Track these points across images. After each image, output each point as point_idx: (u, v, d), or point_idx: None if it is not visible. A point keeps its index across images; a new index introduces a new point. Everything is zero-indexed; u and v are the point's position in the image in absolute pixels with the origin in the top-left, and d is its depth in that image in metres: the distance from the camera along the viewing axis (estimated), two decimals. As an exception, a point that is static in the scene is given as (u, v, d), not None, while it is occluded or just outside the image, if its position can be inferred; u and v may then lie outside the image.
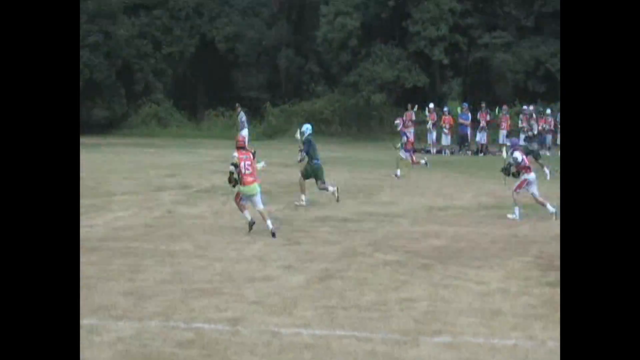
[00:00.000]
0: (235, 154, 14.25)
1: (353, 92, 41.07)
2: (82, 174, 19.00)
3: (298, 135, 18.76)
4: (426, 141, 35.63)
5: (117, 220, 15.54)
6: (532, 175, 16.31)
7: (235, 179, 14.19)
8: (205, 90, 50.85)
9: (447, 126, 34.94)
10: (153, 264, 11.48)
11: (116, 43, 44.46)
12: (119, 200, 18.11)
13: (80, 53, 43.56)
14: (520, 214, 15.97)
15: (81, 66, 43.41)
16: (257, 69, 46.54)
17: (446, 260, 11.86)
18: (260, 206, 14.32)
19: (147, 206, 17.27)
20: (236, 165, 14.11)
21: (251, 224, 14.05)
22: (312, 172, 18.15)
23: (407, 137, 24.82)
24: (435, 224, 15.34)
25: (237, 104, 34.57)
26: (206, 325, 8.47)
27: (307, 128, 18.65)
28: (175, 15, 47.82)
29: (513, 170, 16.45)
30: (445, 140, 35.18)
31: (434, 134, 35.54)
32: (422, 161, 25.30)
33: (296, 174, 18.88)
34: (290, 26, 46.46)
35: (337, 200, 17.65)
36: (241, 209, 14.41)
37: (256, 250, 12.64)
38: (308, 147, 18.28)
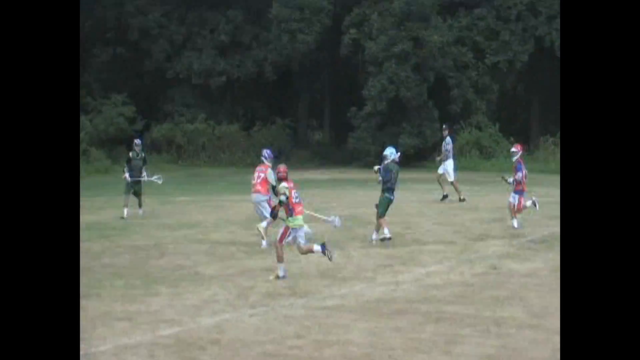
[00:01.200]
0: (284, 184, 15.63)
1: None
2: (390, 218, 19.75)
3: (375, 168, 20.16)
4: None
5: (429, 276, 15.85)
6: None
7: (277, 213, 16.03)
8: (542, 110, 50.60)
9: None
10: (474, 335, 11.57)
11: (429, 52, 45.42)
12: (431, 251, 18.47)
13: (385, 65, 45.11)
14: None
15: (385, 82, 44.88)
16: (612, 81, 45.60)
17: None
18: (303, 242, 15.75)
19: (465, 259, 17.47)
20: (287, 197, 15.46)
21: (282, 277, 15.29)
22: (379, 204, 19.45)
23: (523, 173, 21.81)
24: None
25: (444, 125, 31.78)
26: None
27: (391, 152, 19.61)
28: (503, 15, 48.11)
29: None
30: None
31: None
32: (515, 223, 21.67)
33: None
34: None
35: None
36: (281, 258, 15.43)
37: (610, 322, 12.32)
38: (385, 174, 19.52)
